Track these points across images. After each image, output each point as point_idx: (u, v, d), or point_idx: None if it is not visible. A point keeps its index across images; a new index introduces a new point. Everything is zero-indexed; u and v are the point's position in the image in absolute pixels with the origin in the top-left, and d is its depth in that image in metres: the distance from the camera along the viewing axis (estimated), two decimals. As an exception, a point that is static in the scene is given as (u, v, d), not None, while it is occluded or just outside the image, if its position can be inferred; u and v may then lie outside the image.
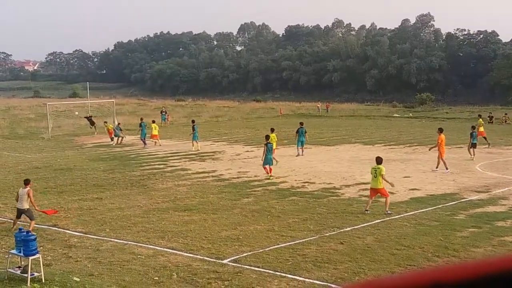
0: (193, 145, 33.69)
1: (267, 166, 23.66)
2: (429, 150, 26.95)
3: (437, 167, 24.56)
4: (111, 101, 56.33)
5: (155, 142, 36.55)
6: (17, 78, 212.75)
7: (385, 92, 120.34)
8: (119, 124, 40.09)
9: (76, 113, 40.80)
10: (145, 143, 35.96)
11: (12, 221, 15.64)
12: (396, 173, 24.19)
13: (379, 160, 17.23)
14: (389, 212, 16.56)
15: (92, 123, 42.88)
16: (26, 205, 15.16)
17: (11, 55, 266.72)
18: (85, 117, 43.78)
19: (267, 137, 24.73)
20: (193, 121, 36.43)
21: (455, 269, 0.89)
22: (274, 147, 25.82)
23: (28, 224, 14.86)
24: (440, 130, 25.43)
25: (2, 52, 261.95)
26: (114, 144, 36.77)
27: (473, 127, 29.54)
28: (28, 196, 15.17)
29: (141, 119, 39.08)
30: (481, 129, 33.82)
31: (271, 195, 19.76)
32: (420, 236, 14.29)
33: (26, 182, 15.54)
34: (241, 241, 13.97)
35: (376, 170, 16.93)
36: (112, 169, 26.18)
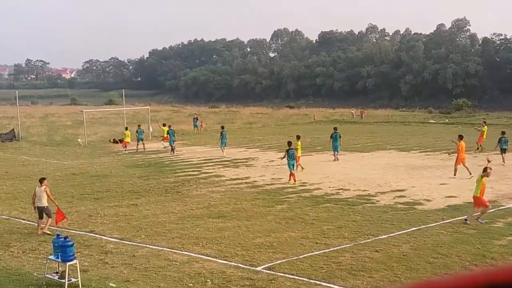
0: (222, 151, 33.92)
1: (293, 172, 23.94)
2: (449, 155, 26.66)
3: (454, 175, 24.39)
4: (146, 108, 56.98)
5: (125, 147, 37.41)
6: (54, 86, 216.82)
7: (420, 98, 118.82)
8: (139, 127, 40.02)
9: (79, 140, 41.16)
10: (172, 150, 36.21)
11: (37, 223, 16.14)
12: (432, 180, 23.91)
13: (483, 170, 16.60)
14: (468, 222, 16.04)
15: (118, 142, 42.49)
16: (45, 203, 15.76)
17: (48, 63, 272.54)
18: (113, 141, 43.31)
19: (289, 143, 24.75)
20: (222, 127, 36.60)
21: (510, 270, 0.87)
22: (298, 154, 26.27)
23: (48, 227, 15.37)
24: (460, 137, 25.22)
25: (40, 60, 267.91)
26: (137, 150, 37.27)
27: (503, 132, 29.46)
28: (46, 193, 15.79)
29: (169, 126, 39.42)
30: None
31: (305, 202, 19.68)
32: (457, 244, 14.05)
33: (41, 181, 16.11)
34: (275, 248, 13.93)
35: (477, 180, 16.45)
36: (147, 176, 26.44)
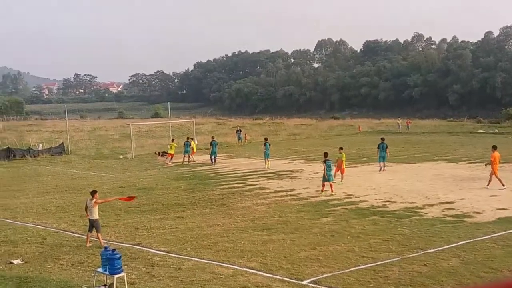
0: (265, 163, 33.98)
1: (326, 183, 24.12)
2: (485, 166, 26.11)
3: (488, 185, 24.13)
4: (191, 121, 57.58)
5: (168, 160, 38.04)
6: (102, 99, 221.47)
7: (468, 107, 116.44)
8: (187, 139, 40.44)
9: (121, 156, 41.68)
10: (212, 161, 36.65)
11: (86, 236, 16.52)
12: (482, 191, 23.31)
13: None
14: None
15: (163, 154, 42.97)
16: (95, 216, 16.02)
17: (96, 77, 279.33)
18: (158, 154, 43.78)
19: (326, 154, 25.03)
20: (265, 139, 36.65)
21: None
22: (343, 166, 26.81)
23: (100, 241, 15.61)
24: (494, 148, 25.03)
25: (88, 75, 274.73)
26: (183, 163, 37.70)
27: None
28: (97, 204, 16.14)
29: (212, 137, 39.70)
30: None
31: (350, 215, 19.45)
32: (509, 258, 13.62)
33: (93, 193, 16.39)
34: (320, 262, 13.79)
35: None
36: (192, 188, 26.63)
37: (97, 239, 16.05)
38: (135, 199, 17.20)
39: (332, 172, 24.80)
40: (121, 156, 41.48)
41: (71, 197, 25.04)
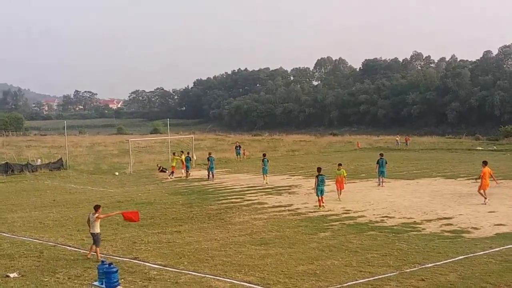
0: (264, 179, 34.02)
1: (319, 196, 24.29)
2: (475, 180, 26.62)
3: (484, 201, 24.27)
4: (190, 137, 57.64)
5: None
6: (101, 116, 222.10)
7: (467, 125, 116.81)
8: (187, 154, 40.86)
9: (116, 173, 41.49)
10: (209, 177, 36.96)
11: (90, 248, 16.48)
12: (480, 207, 23.29)
13: None
14: None
15: (164, 170, 43.06)
16: (95, 230, 16.01)
17: (96, 94, 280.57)
18: (159, 169, 43.82)
19: (319, 169, 24.96)
20: (263, 155, 36.79)
21: None
22: (344, 182, 26.75)
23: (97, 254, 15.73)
24: (484, 163, 25.25)
25: (88, 91, 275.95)
26: (181, 177, 38.06)
27: None
28: (99, 219, 16.08)
29: (209, 153, 40.02)
30: None
31: (348, 230, 19.42)
32: (506, 273, 13.57)
33: (96, 208, 16.38)
34: (318, 276, 13.74)
35: None
36: (190, 203, 26.60)
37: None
38: (138, 216, 17.02)
39: (324, 187, 24.79)
40: (116, 173, 41.16)
41: (68, 212, 25.00)
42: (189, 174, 38.94)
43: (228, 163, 49.45)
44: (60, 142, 70.06)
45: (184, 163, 39.29)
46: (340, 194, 26.70)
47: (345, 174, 27.42)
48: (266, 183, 33.49)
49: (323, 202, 24.32)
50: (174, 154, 40.24)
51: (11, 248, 17.85)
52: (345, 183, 27.16)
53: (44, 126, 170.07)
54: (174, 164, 38.87)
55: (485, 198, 24.28)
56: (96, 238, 16.00)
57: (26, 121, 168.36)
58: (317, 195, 24.34)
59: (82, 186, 35.23)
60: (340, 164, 27.86)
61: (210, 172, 37.15)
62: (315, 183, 24.47)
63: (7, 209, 26.11)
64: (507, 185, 30.03)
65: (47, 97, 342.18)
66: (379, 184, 31.25)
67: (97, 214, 16.09)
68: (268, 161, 35.40)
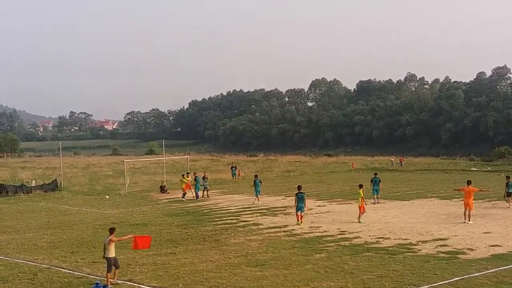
0: (257, 200, 34.28)
1: (298, 213, 25.40)
2: (453, 190, 28.18)
3: (469, 220, 25.01)
4: (185, 158, 57.58)
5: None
6: (97, 137, 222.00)
7: (461, 146, 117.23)
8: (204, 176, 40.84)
9: (107, 196, 41.13)
10: (197, 197, 37.78)
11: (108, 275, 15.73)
12: (475, 228, 23.32)
13: None
14: None
15: (164, 191, 42.94)
16: (108, 254, 15.58)
17: (91, 115, 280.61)
18: (161, 190, 43.65)
19: (299, 187, 26.19)
20: (255, 176, 36.83)
21: None
22: (361, 204, 26.05)
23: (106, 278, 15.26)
24: (468, 183, 26.21)
25: (84, 113, 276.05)
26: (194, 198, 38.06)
27: (508, 177, 30.84)
28: (112, 242, 15.68)
29: (194, 173, 40.51)
30: None
31: (344, 251, 19.37)
32: (503, 295, 13.56)
33: (111, 231, 16.07)
34: (314, 298, 13.67)
35: None
36: (185, 224, 26.52)
37: (115, 278, 15.64)
38: (149, 242, 16.73)
39: (303, 204, 25.52)
40: (107, 196, 40.84)
41: (63, 233, 24.87)
42: (204, 195, 39.15)
43: (224, 184, 49.37)
44: (55, 163, 69.86)
45: (189, 184, 39.17)
46: (359, 216, 26.01)
47: (361, 195, 26.31)
48: (259, 204, 33.46)
49: (301, 219, 25.30)
50: (183, 176, 40.17)
51: (4, 270, 17.71)
52: (359, 205, 26.12)
53: (39, 147, 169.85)
54: (183, 186, 38.72)
55: (465, 219, 24.99)
56: (109, 263, 15.50)
57: (21, 142, 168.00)
58: (296, 211, 25.49)
59: (76, 207, 35.08)
60: (360, 186, 27.24)
61: (196, 192, 38.02)
62: (295, 201, 25.60)
63: (1, 231, 25.94)
64: (502, 206, 30.09)
65: (42, 118, 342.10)
66: (375, 202, 32.15)
67: (110, 237, 15.75)
68: (260, 182, 35.45)
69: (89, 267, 17.93)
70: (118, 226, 26.03)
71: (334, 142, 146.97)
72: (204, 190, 39.24)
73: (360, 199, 26.16)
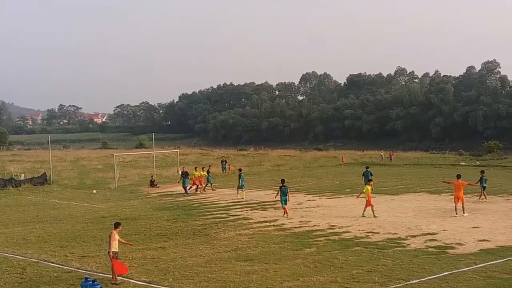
0: (238, 193, 34.50)
1: (285, 206, 26.41)
2: (442, 182, 29.48)
3: (463, 212, 25.44)
4: (175, 151, 57.45)
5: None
6: (86, 130, 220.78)
7: (450, 140, 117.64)
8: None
9: (94, 191, 40.80)
10: (186, 192, 37.45)
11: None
12: (464, 223, 23.46)
13: None
14: None
15: (154, 185, 42.89)
16: (109, 248, 15.65)
17: (81, 108, 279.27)
18: (151, 184, 43.54)
19: (283, 181, 27.38)
20: (239, 170, 37.05)
21: None
22: (367, 198, 25.83)
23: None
24: (457, 177, 26.72)
25: (73, 106, 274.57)
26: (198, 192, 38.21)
27: (482, 172, 32.26)
28: (112, 238, 15.72)
29: (183, 167, 40.62)
30: None
31: (334, 245, 19.44)
32: (491, 289, 13.66)
33: (116, 225, 16.26)
34: (303, 293, 13.71)
35: None
36: (175, 219, 26.50)
37: (122, 276, 15.45)
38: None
39: (287, 197, 26.54)
40: (94, 191, 40.61)
41: (52, 227, 24.78)
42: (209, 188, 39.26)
43: (214, 178, 49.23)
44: (44, 157, 69.48)
45: (198, 178, 39.40)
46: (365, 210, 25.88)
47: (368, 190, 26.25)
48: (243, 198, 33.67)
49: (286, 212, 26.22)
50: (195, 169, 40.51)
51: (-7, 264, 17.62)
52: (366, 199, 25.97)
53: (28, 140, 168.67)
54: (194, 178, 39.09)
55: (456, 213, 25.33)
56: (110, 256, 15.55)
57: (10, 135, 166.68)
58: (282, 205, 26.42)
59: (66, 201, 34.94)
60: (370, 180, 29.06)
61: (185, 186, 37.88)
62: (278, 194, 26.72)
63: (-10, 225, 25.80)
64: (491, 200, 30.31)
65: (31, 111, 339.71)
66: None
67: (111, 232, 15.87)
68: (244, 176, 35.74)
69: (79, 261, 17.88)
70: (108, 221, 26.04)
71: (324, 136, 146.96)
72: (208, 184, 39.40)
73: (366, 194, 26.00)
